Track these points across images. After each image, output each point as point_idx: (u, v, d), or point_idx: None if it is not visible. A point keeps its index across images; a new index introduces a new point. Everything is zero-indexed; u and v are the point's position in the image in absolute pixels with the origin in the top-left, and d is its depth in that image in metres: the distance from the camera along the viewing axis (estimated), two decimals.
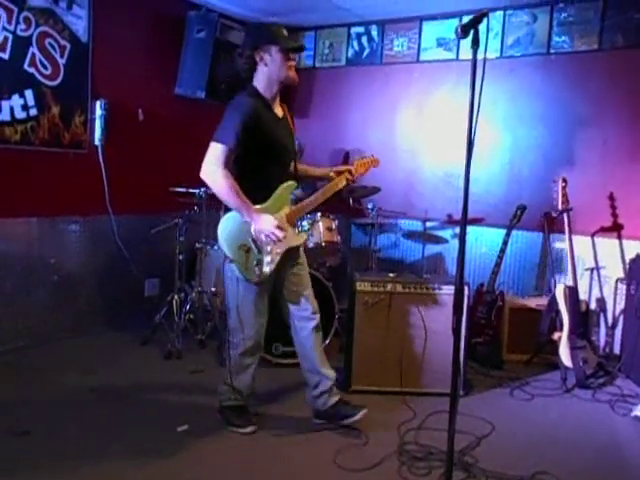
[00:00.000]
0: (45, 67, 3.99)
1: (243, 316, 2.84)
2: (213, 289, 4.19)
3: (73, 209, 4.32)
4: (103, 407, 3.16)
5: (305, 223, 4.06)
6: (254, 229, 2.69)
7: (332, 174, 3.08)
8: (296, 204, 2.94)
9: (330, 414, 3.03)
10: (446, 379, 3.46)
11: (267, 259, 2.75)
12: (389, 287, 3.46)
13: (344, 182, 3.03)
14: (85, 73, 4.25)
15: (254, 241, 2.72)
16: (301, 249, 3.03)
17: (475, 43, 2.00)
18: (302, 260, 3.03)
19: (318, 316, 3.01)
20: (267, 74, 2.75)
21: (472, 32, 2.03)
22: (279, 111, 2.88)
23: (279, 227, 2.67)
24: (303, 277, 3.01)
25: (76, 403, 3.18)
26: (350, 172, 3.05)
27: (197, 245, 4.26)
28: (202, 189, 4.10)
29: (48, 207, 4.15)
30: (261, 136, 2.70)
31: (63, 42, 4.08)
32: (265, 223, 2.66)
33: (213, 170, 2.63)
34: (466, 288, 3.51)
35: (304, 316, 2.98)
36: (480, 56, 1.95)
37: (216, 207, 4.37)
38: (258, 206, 2.71)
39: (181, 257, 4.26)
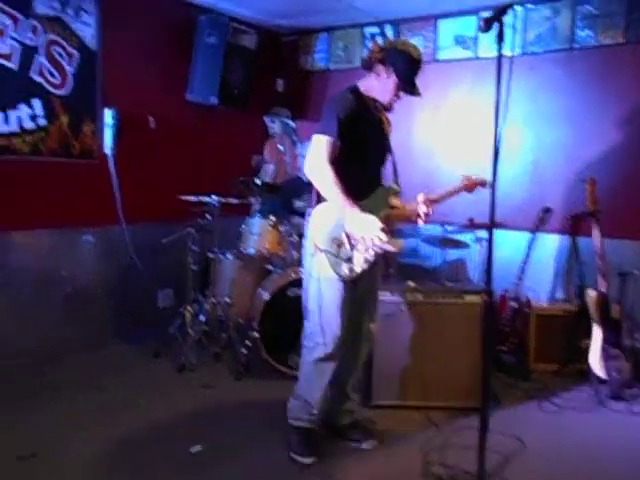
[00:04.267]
0: (53, 76, 3.91)
1: (325, 318, 2.67)
2: (227, 299, 4.07)
3: (84, 220, 4.24)
4: (113, 427, 3.03)
5: None
6: (351, 226, 2.54)
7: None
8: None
9: (340, 430, 2.93)
10: (471, 392, 3.34)
11: (360, 258, 2.61)
12: (410, 297, 3.30)
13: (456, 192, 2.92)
14: (94, 81, 4.17)
15: (348, 237, 2.59)
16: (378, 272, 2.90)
17: (499, 37, 1.84)
18: (377, 281, 2.92)
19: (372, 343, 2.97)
20: (373, 85, 2.72)
21: (495, 26, 1.85)
22: (378, 114, 2.80)
23: (383, 230, 2.48)
24: (375, 296, 2.91)
25: (85, 423, 3.07)
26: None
27: (209, 255, 4.13)
28: (214, 197, 3.98)
29: (59, 218, 4.08)
30: (357, 132, 2.61)
31: (71, 50, 4.00)
32: (369, 224, 2.47)
33: (319, 164, 2.53)
34: (487, 296, 3.36)
35: (363, 337, 2.88)
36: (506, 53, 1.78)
37: (228, 215, 4.33)
38: (359, 204, 2.55)
39: (195, 267, 4.17)
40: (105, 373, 3.78)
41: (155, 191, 4.55)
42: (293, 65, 5.67)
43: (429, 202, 2.73)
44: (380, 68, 2.67)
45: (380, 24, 5.14)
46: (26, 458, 2.67)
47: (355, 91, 2.71)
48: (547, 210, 4.13)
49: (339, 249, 2.62)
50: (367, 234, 2.49)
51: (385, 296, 3.28)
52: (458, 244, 4.77)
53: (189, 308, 4.02)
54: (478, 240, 4.75)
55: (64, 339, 4.12)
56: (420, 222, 2.74)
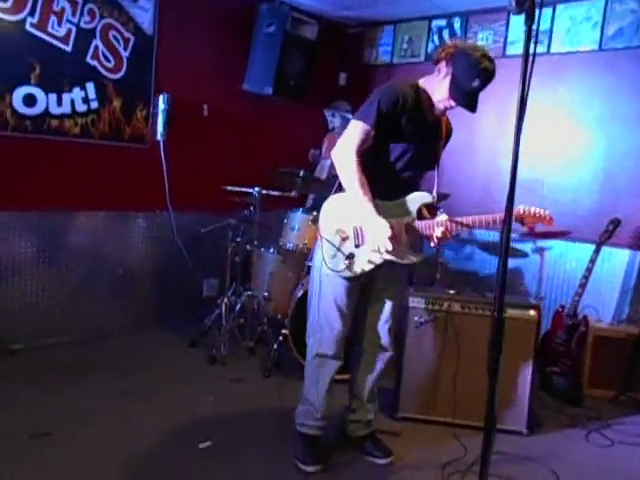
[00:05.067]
0: (108, 60, 3.94)
1: (324, 312, 2.54)
2: (266, 293, 3.97)
3: (135, 204, 4.27)
4: (130, 414, 3.00)
5: None
6: (361, 223, 2.39)
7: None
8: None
9: (355, 442, 2.76)
10: (509, 414, 3.08)
11: (364, 258, 2.44)
12: (445, 305, 3.08)
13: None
14: (149, 66, 4.18)
15: (356, 232, 2.44)
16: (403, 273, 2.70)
17: (529, 18, 1.60)
18: (400, 284, 2.72)
19: (392, 354, 2.75)
20: (431, 81, 2.48)
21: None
22: (432, 115, 2.52)
23: (392, 238, 2.28)
24: (394, 301, 2.68)
25: (104, 407, 3.05)
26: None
27: (248, 247, 4.05)
28: (256, 189, 3.89)
29: (110, 201, 4.13)
30: (398, 128, 2.42)
31: (127, 35, 4.02)
32: (378, 228, 2.30)
33: (346, 150, 2.36)
34: (533, 311, 3.08)
35: (379, 344, 2.70)
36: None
37: (273, 208, 4.23)
38: (378, 202, 2.37)
39: (237, 259, 4.10)
40: (139, 358, 3.79)
41: (205, 179, 4.51)
42: (357, 58, 5.50)
43: (451, 225, 2.41)
44: (442, 65, 2.41)
45: (448, 17, 4.88)
46: (39, 437, 2.68)
47: (413, 85, 2.49)
48: (616, 222, 3.76)
49: (342, 242, 2.45)
50: (374, 237, 2.32)
51: (419, 303, 3.07)
52: (516, 253, 4.47)
53: (226, 300, 3.95)
54: (538, 250, 4.42)
55: (109, 321, 4.19)
56: (431, 244, 2.46)
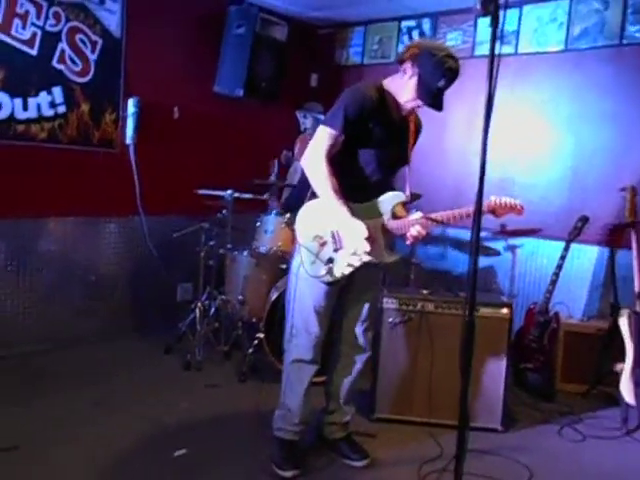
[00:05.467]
0: (75, 63, 3.88)
1: (302, 317, 2.53)
2: (240, 297, 3.94)
3: (103, 210, 4.21)
4: (102, 424, 2.93)
5: None
6: (337, 227, 2.39)
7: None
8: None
9: (331, 444, 2.76)
10: (484, 412, 3.11)
11: (343, 262, 2.42)
12: (419, 305, 3.09)
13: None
14: (117, 70, 4.12)
15: (333, 237, 2.43)
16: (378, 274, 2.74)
17: (494, 21, 1.62)
18: (376, 285, 2.75)
19: (369, 354, 2.76)
20: (396, 82, 2.48)
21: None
22: (399, 116, 2.52)
23: (369, 239, 2.30)
24: (371, 302, 2.71)
25: (75, 418, 2.98)
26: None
27: (221, 251, 4.02)
28: (229, 192, 3.87)
29: (80, 207, 4.06)
30: (366, 131, 2.43)
31: (95, 38, 3.96)
32: (353, 230, 2.32)
33: (315, 156, 2.38)
34: (506, 309, 3.12)
35: (356, 345, 2.70)
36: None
37: (245, 211, 4.20)
38: (352, 205, 2.38)
39: (211, 262, 4.07)
40: (112, 366, 3.73)
41: (176, 183, 4.47)
42: (328, 59, 5.50)
43: (426, 222, 2.39)
44: (408, 65, 2.41)
45: (418, 17, 4.90)
46: (6, 450, 2.61)
47: (378, 87, 2.49)
48: (584, 219, 3.82)
49: (321, 248, 2.45)
50: (351, 240, 2.33)
51: (392, 303, 3.09)
52: (489, 251, 4.52)
53: (200, 304, 3.92)
54: (510, 248, 4.48)
55: (81, 328, 4.12)
56: (407, 242, 2.46)
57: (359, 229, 2.30)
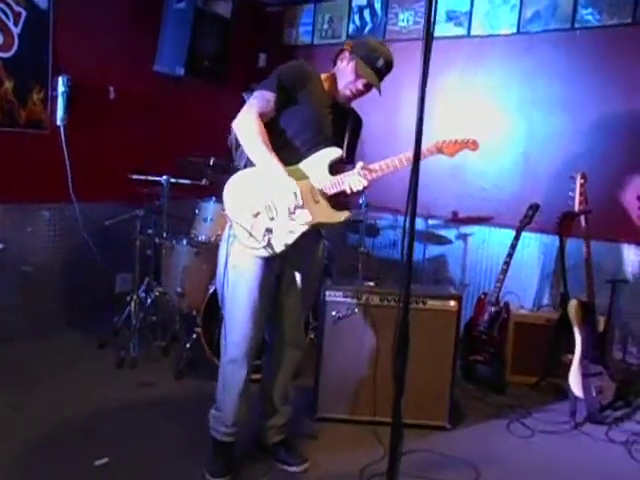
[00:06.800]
0: None
1: (234, 315, 2.33)
2: (179, 289, 3.72)
3: (34, 196, 3.91)
4: (20, 433, 2.67)
5: None
6: (272, 189, 2.19)
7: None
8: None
9: (270, 449, 2.60)
10: (430, 409, 2.99)
11: (283, 230, 2.22)
12: (364, 298, 2.94)
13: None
14: (45, 45, 3.81)
15: (268, 206, 2.22)
16: (321, 247, 2.53)
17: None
18: (313, 268, 2.52)
19: (303, 348, 2.63)
20: (337, 70, 2.43)
21: None
22: (334, 100, 2.43)
23: (303, 200, 2.15)
24: (308, 292, 2.52)
25: None
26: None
27: (157, 240, 3.78)
28: (164, 177, 3.63)
29: (6, 193, 3.75)
30: (297, 101, 2.32)
31: (17, 8, 3.64)
32: (286, 188, 2.13)
33: (246, 115, 2.22)
34: (453, 302, 2.99)
35: (294, 340, 2.53)
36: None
37: (184, 197, 3.97)
38: (286, 168, 2.21)
39: (149, 252, 3.83)
40: (40, 364, 3.48)
41: (112, 168, 4.18)
42: (277, 38, 5.27)
43: (364, 172, 2.27)
44: (345, 55, 2.39)
45: None
46: None
47: (314, 71, 2.43)
48: (535, 207, 3.72)
49: (254, 219, 2.24)
50: (284, 200, 2.16)
51: (336, 296, 2.92)
52: (440, 240, 4.41)
53: (135, 297, 3.69)
54: (461, 236, 4.38)
55: (10, 323, 3.81)
56: (347, 191, 2.29)
57: (289, 185, 2.14)
